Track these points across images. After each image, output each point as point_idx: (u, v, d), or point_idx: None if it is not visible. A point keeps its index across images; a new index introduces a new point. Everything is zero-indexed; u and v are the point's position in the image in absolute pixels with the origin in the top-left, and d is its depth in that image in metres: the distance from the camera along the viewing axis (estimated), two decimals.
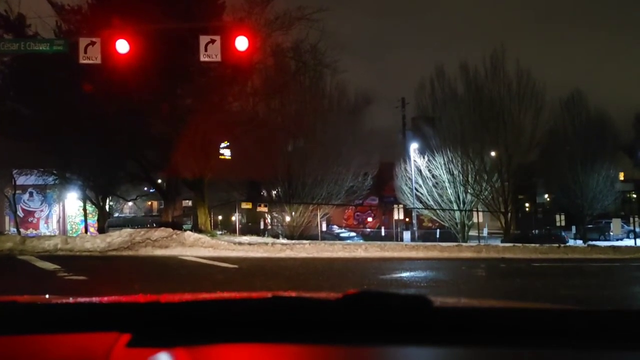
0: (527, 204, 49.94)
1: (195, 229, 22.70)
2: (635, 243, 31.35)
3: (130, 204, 49.12)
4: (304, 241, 19.36)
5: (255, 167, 31.23)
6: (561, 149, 40.00)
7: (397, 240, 34.10)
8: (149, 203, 57.01)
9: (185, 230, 19.65)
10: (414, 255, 16.35)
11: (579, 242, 35.72)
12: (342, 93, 34.56)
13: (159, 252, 14.63)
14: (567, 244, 35.93)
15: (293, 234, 31.73)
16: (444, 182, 35.07)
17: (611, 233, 39.86)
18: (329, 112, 33.80)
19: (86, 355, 1.26)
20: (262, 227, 38.80)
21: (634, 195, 49.30)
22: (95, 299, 1.64)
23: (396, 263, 14.44)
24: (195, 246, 15.31)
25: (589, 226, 40.78)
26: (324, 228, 36.62)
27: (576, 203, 39.88)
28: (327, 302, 1.47)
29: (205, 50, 15.63)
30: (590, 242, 24.71)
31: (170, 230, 16.19)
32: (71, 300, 1.64)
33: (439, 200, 35.55)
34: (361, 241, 32.49)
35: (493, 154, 34.87)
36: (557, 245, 20.92)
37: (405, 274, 12.01)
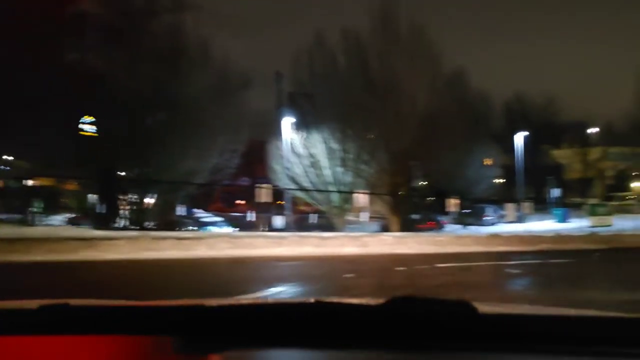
0: (403, 187, 47.24)
1: None
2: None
3: None
4: (119, 233, 13.50)
5: (98, 140, 24.88)
6: (443, 130, 37.07)
7: (268, 226, 29.39)
8: None
9: None
10: (283, 252, 11.26)
11: (458, 227, 33.58)
12: (205, 52, 28.58)
13: None
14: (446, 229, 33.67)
15: (142, 220, 25.68)
16: (319, 161, 30.51)
17: (486, 218, 38.05)
18: (190, 76, 27.83)
19: (136, 358, 1.28)
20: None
21: (503, 180, 48.47)
22: (145, 303, 1.60)
23: (256, 268, 9.26)
24: None
25: (466, 211, 38.55)
26: (183, 212, 30.82)
27: (455, 187, 37.41)
28: (370, 308, 1.43)
29: None
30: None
31: None
32: (122, 303, 1.62)
33: (317, 182, 31.03)
34: (224, 228, 27.50)
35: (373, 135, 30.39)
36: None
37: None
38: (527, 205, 36.55)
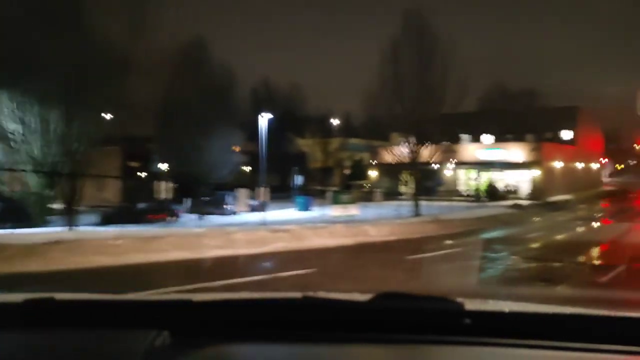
0: (141, 173, 40.67)
1: None
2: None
3: None
4: None
5: None
6: (179, 110, 31.85)
7: None
8: None
9: None
10: None
11: (194, 217, 28.94)
12: None
13: None
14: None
15: None
16: (13, 134, 22.55)
17: (226, 206, 33.72)
18: None
19: (125, 351, 1.21)
20: None
21: (249, 168, 45.56)
22: (131, 297, 1.54)
23: None
24: None
25: (205, 198, 33.77)
26: None
27: (193, 173, 32.55)
28: (358, 304, 1.41)
29: None
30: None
31: None
32: (108, 297, 1.52)
33: (7, 160, 22.99)
34: None
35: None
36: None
37: None
38: (269, 193, 33.15)
